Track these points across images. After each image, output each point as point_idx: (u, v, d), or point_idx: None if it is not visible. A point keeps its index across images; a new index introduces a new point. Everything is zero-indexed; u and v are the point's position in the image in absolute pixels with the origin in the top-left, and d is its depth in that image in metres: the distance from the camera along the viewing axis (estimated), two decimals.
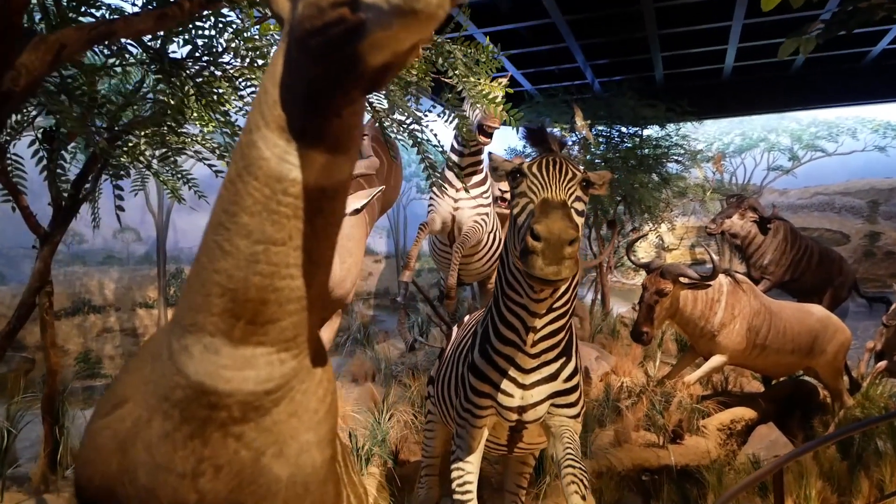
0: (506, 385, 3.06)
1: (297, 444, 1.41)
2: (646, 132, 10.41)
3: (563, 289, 2.87)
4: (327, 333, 5.29)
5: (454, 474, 3.20)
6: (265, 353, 1.30)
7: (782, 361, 6.94)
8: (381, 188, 4.79)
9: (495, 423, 3.22)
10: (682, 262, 6.59)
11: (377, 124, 3.88)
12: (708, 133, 11.88)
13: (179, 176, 3.84)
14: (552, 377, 3.07)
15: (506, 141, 11.41)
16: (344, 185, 1.31)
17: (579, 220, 2.56)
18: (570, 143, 10.09)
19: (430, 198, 6.98)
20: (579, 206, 2.62)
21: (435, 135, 3.75)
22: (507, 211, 7.61)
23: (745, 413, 6.83)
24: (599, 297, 10.68)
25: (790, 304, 7.31)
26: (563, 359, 3.08)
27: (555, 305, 2.91)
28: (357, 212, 4.63)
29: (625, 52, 9.58)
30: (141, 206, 5.21)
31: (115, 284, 4.94)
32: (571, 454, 3.03)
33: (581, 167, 2.78)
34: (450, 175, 6.65)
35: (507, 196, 7.51)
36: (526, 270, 2.36)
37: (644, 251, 11.94)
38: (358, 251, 5.27)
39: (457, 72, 3.47)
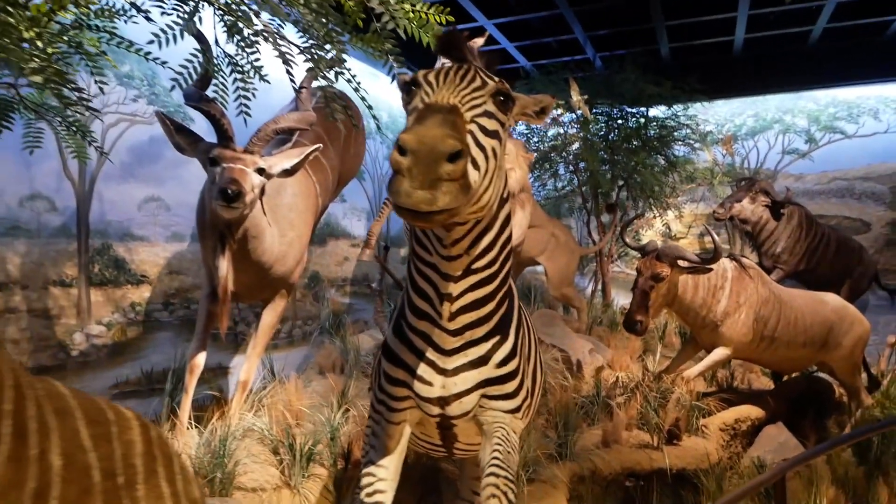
0: (423, 370, 2.44)
1: None
2: (651, 112, 9.80)
3: (483, 242, 2.27)
4: (269, 317, 4.73)
5: (364, 481, 2.58)
6: None
7: (793, 355, 6.34)
8: (316, 146, 4.20)
9: (421, 417, 2.61)
10: (690, 250, 5.99)
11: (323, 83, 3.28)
12: (718, 114, 11.20)
13: (75, 129, 3.27)
14: (481, 361, 2.44)
15: None
16: None
17: (487, 141, 1.95)
18: (567, 121, 9.50)
19: None
20: (488, 122, 1.98)
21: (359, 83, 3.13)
22: None
23: (750, 412, 6.24)
24: (600, 287, 10.09)
25: (802, 292, 6.69)
26: (496, 338, 2.46)
27: (475, 266, 2.29)
28: (288, 173, 4.07)
29: (626, 20, 8.91)
30: (56, 173, 4.64)
31: (22, 259, 4.40)
32: (498, 460, 2.42)
33: (498, 78, 2.16)
34: None
35: None
36: (392, 200, 1.73)
37: (649, 240, 11.31)
38: (302, 224, 4.70)
39: None
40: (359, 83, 3.08)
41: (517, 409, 2.56)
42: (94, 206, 4.92)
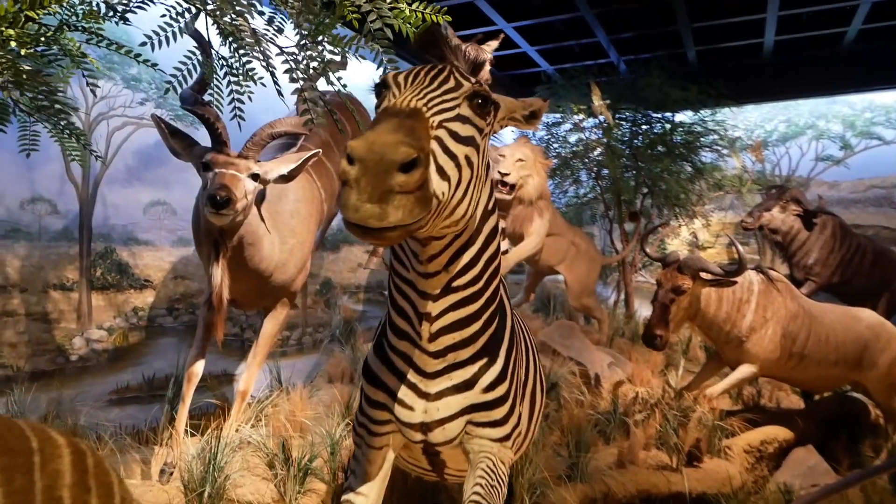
0: (403, 393, 2.26)
1: None
2: (677, 117, 9.50)
3: (464, 259, 2.08)
4: (270, 326, 4.57)
5: None
6: None
7: (825, 374, 6.01)
8: (315, 151, 4.06)
9: (406, 441, 2.41)
10: (716, 262, 5.73)
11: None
12: (747, 119, 10.84)
13: (69, 132, 3.13)
14: (466, 385, 2.24)
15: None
16: None
17: (459, 149, 1.74)
18: (589, 126, 9.25)
19: None
20: (461, 127, 1.77)
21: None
22: (509, 197, 6.86)
23: (778, 433, 5.92)
24: (623, 297, 9.79)
25: (835, 307, 6.35)
26: (483, 360, 2.25)
27: (455, 283, 2.10)
28: (285, 178, 3.93)
29: (650, 23, 8.63)
30: (58, 176, 4.60)
31: (22, 262, 4.36)
32: (478, 495, 2.21)
33: (475, 79, 1.95)
34: None
35: (509, 179, 6.73)
36: (342, 215, 1.54)
37: (676, 249, 10.99)
38: (305, 231, 4.54)
39: None
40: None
41: (506, 438, 2.35)
42: (98, 209, 4.85)
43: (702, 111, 9.47)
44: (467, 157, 1.78)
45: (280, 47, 2.74)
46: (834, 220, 8.51)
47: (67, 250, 4.65)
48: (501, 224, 6.10)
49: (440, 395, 2.24)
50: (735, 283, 5.32)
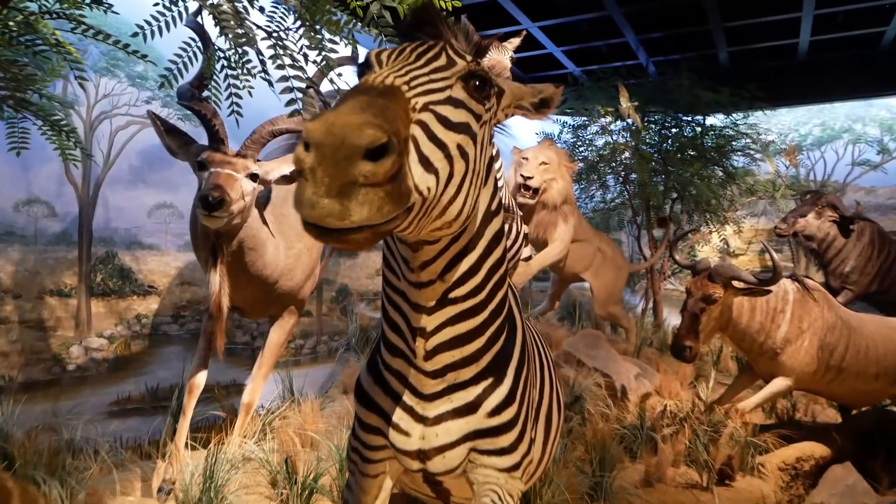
0: (399, 417, 2.01)
1: None
2: (708, 121, 9.25)
3: (463, 266, 1.83)
4: (277, 335, 4.40)
5: None
6: None
7: (864, 388, 5.71)
8: None
9: (404, 468, 2.18)
10: (749, 269, 5.49)
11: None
12: (781, 122, 10.55)
13: (58, 129, 3.02)
14: (468, 409, 1.99)
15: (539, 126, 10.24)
16: None
17: (449, 136, 1.48)
18: (617, 129, 9.02)
19: None
20: (452, 112, 1.52)
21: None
22: (532, 202, 6.67)
23: (814, 449, 5.62)
24: (651, 305, 9.53)
25: (875, 317, 6.06)
26: (489, 380, 2.00)
27: (453, 294, 1.84)
28: (288, 179, 3.75)
29: (680, 22, 8.39)
30: (57, 176, 4.45)
31: (16, 267, 4.21)
32: None
33: (472, 58, 1.71)
34: None
35: (532, 183, 6.54)
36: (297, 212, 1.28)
37: (706, 256, 10.68)
38: None
39: None
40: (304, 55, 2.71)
41: (515, 467, 2.09)
42: (99, 212, 4.70)
43: (734, 114, 9.22)
44: (460, 147, 1.52)
45: (264, 28, 2.57)
46: (872, 227, 8.21)
47: (66, 255, 4.50)
48: (525, 229, 5.91)
49: (439, 419, 1.99)
50: (769, 292, 5.07)
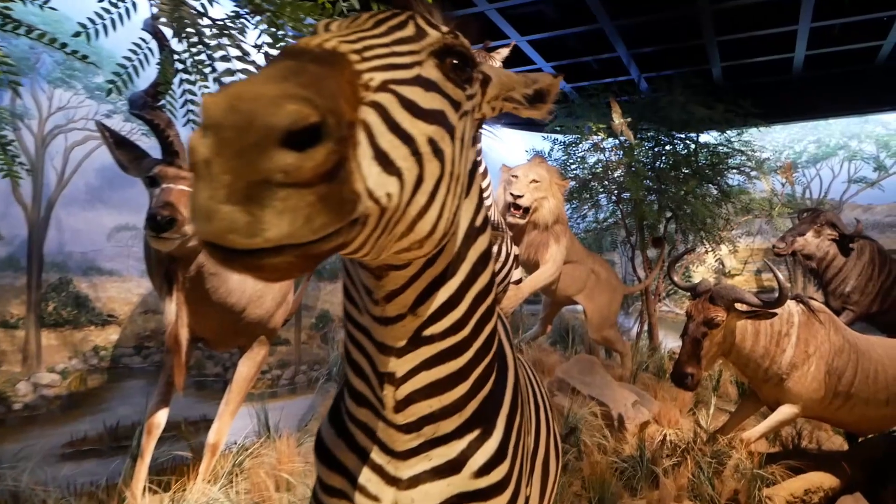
0: (366, 479, 1.62)
1: None
2: (702, 138, 9.07)
3: (441, 297, 1.44)
4: (245, 368, 4.05)
5: None
6: None
7: (873, 415, 5.45)
8: None
9: None
10: (749, 290, 5.24)
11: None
12: (776, 139, 10.42)
13: None
14: (451, 467, 1.60)
15: (528, 142, 10.05)
16: None
17: (416, 126, 1.10)
18: (609, 146, 8.80)
19: None
20: (421, 95, 1.13)
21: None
22: (522, 221, 6.40)
23: (823, 480, 5.32)
24: (646, 328, 9.25)
25: (883, 340, 5.81)
26: (475, 433, 1.62)
27: (428, 332, 1.46)
28: None
29: (673, 37, 8.23)
30: (4, 195, 4.07)
31: None
32: None
33: (448, 29, 1.31)
34: None
35: (522, 202, 6.26)
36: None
37: (701, 277, 10.47)
38: None
39: None
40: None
41: None
42: (52, 234, 4.34)
43: (728, 131, 9.11)
44: (433, 142, 1.14)
45: (216, 24, 2.28)
46: (872, 245, 8.03)
47: (12, 282, 4.13)
48: (515, 250, 5.62)
49: (415, 481, 1.60)
50: (775, 314, 4.81)
